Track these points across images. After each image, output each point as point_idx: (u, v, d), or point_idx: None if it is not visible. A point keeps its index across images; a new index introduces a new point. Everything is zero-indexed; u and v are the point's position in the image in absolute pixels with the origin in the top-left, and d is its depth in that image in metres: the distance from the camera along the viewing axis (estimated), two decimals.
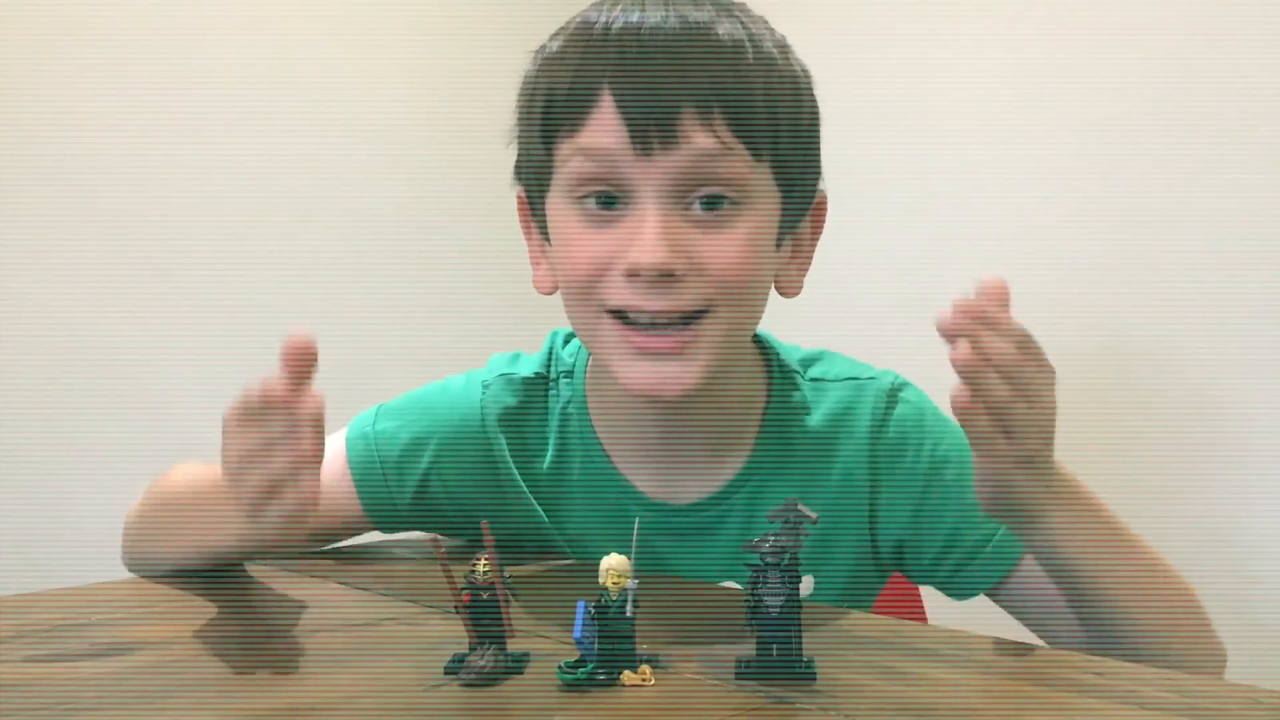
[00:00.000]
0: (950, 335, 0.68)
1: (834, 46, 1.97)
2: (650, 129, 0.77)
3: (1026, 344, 0.69)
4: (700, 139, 0.78)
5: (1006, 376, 0.68)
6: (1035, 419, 0.70)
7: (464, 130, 2.06)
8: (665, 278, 0.78)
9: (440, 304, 2.13)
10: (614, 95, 0.78)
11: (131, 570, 0.94)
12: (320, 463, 0.69)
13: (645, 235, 0.78)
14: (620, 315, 0.81)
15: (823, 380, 0.94)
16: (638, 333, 0.81)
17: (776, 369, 0.94)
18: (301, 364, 0.70)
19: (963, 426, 0.70)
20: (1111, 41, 1.72)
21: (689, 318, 0.80)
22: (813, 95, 0.86)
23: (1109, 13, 1.72)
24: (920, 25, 1.95)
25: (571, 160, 0.80)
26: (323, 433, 0.69)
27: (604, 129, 0.78)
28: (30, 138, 1.73)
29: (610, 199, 0.80)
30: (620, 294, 0.80)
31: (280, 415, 0.69)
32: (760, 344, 0.95)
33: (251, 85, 1.94)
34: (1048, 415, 0.71)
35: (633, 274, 0.79)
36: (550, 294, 0.89)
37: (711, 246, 0.80)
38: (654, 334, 0.80)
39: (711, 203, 0.80)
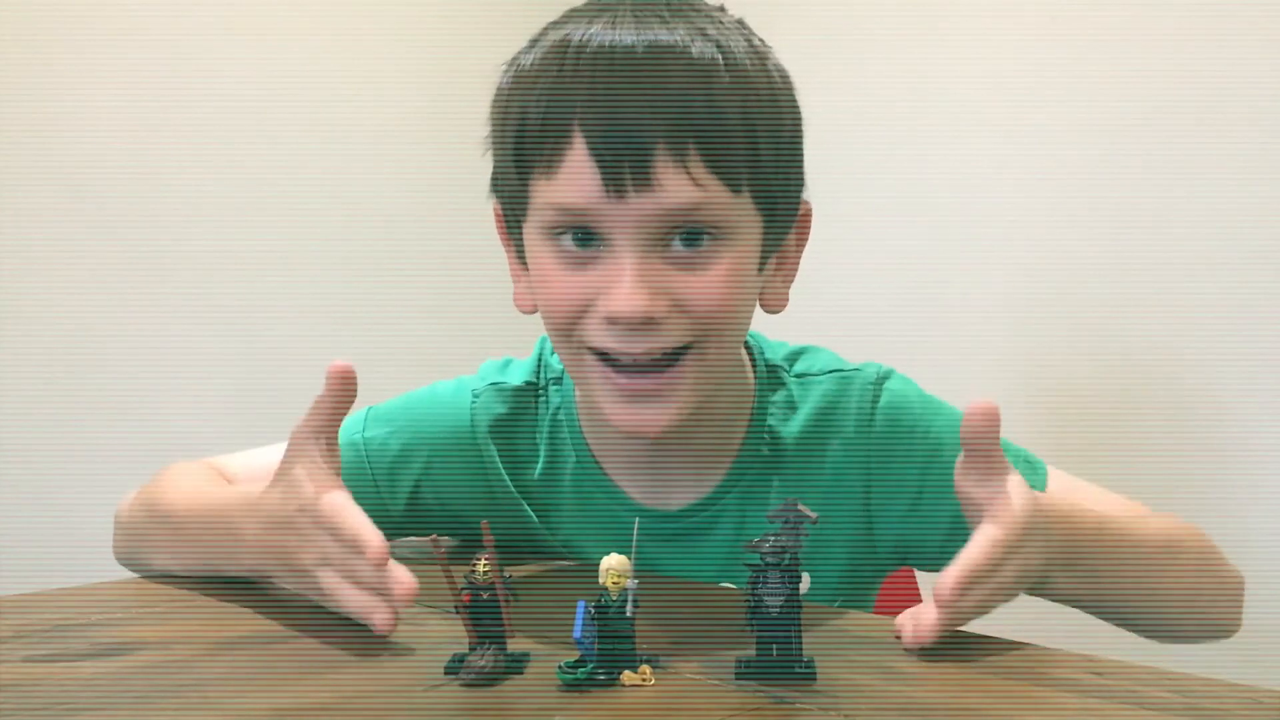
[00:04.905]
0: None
1: (834, 47, 1.98)
2: (623, 173, 0.74)
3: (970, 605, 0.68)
4: (675, 182, 0.75)
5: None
6: (1008, 597, 0.70)
7: (462, 131, 2.06)
8: (646, 323, 0.77)
9: (438, 304, 2.13)
10: (585, 137, 0.75)
11: (121, 565, 0.94)
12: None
13: (623, 283, 0.76)
14: (602, 354, 0.80)
15: (807, 375, 0.93)
16: (621, 374, 0.80)
17: (763, 369, 0.93)
18: (344, 388, 0.74)
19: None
20: (1113, 42, 1.72)
21: (671, 355, 0.79)
22: (793, 101, 0.83)
23: (1111, 13, 1.72)
24: (921, 25, 1.95)
25: (545, 203, 0.78)
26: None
27: (577, 178, 0.76)
28: (30, 138, 1.73)
29: (588, 236, 0.78)
30: (600, 336, 0.79)
31: (371, 568, 0.69)
32: (745, 344, 0.94)
33: (251, 86, 1.94)
34: (1021, 585, 0.71)
35: (612, 321, 0.77)
36: (531, 314, 0.87)
37: (692, 286, 0.78)
38: (637, 376, 0.79)
39: (691, 238, 0.77)
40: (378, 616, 0.68)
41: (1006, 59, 1.84)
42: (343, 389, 0.75)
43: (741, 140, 0.77)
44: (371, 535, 0.67)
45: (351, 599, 0.70)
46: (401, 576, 0.67)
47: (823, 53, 1.97)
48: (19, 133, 1.72)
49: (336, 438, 0.76)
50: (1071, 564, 0.75)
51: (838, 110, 1.92)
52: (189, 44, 1.88)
